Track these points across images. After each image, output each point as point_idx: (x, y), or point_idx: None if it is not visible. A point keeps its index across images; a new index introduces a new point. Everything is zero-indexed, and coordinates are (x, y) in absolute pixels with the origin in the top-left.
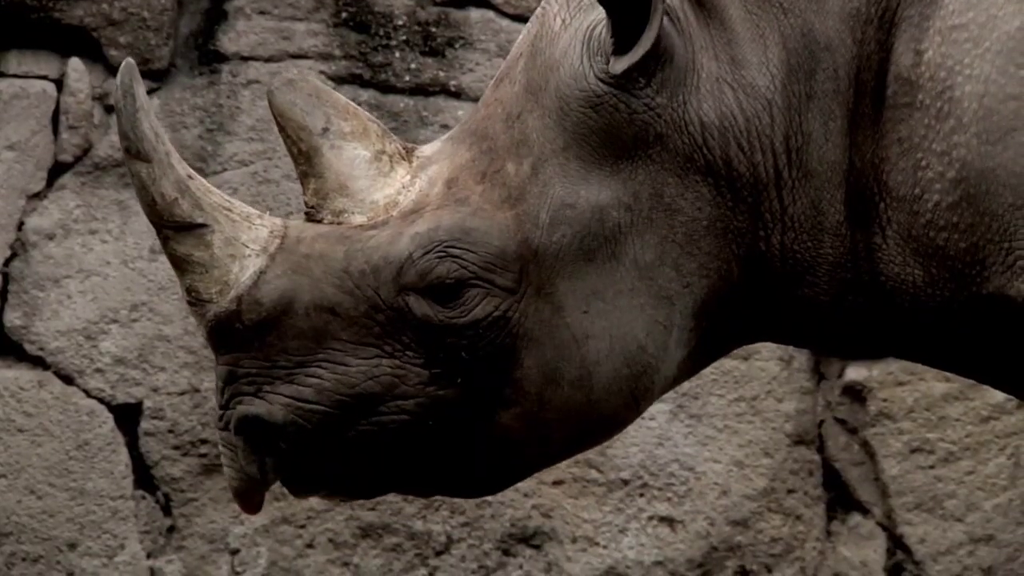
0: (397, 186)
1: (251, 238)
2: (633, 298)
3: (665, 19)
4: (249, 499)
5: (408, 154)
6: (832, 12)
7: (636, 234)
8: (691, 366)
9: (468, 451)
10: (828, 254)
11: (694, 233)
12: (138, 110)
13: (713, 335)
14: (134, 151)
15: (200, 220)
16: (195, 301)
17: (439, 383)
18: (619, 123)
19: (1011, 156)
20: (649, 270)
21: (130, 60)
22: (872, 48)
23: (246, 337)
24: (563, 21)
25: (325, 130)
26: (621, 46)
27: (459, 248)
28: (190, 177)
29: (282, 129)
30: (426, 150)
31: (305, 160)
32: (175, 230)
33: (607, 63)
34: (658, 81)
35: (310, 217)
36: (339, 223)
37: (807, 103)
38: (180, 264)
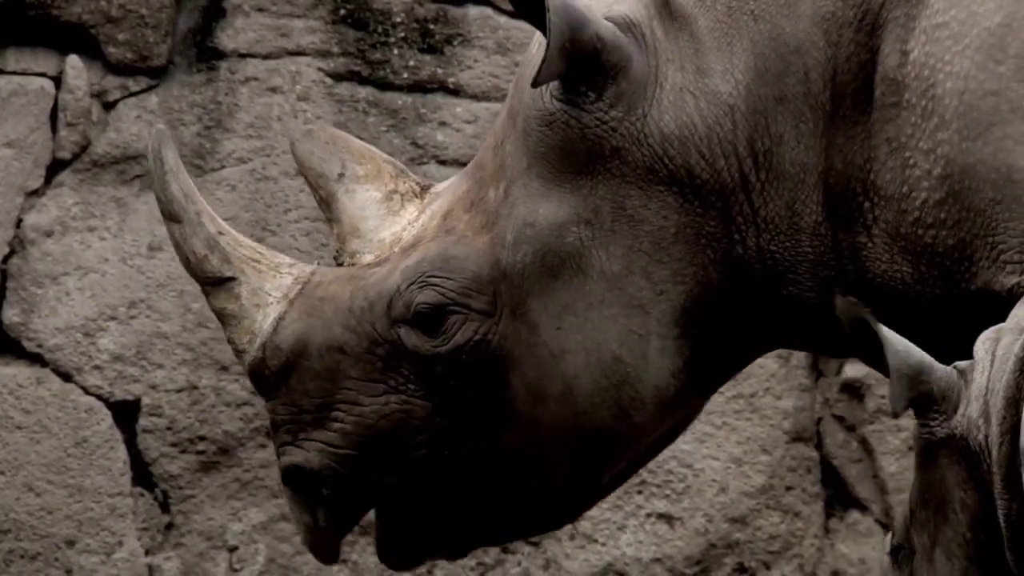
0: (403, 223)
1: (275, 286)
2: (604, 309)
3: (625, 35)
4: (319, 549)
5: (423, 192)
6: (803, 16)
7: (600, 247)
8: (697, 377)
9: (489, 478)
10: (808, 253)
11: (662, 241)
12: (166, 173)
13: (710, 344)
14: (166, 212)
15: (228, 274)
16: (236, 352)
17: (442, 413)
18: (572, 139)
19: (990, 151)
20: (617, 281)
21: (162, 127)
22: (851, 50)
23: (275, 383)
24: (539, 43)
25: (341, 175)
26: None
27: (438, 276)
28: (220, 233)
29: (305, 178)
30: (439, 186)
31: (325, 206)
32: (209, 285)
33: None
34: (611, 95)
35: (336, 261)
36: (353, 264)
37: (775, 106)
38: (220, 317)
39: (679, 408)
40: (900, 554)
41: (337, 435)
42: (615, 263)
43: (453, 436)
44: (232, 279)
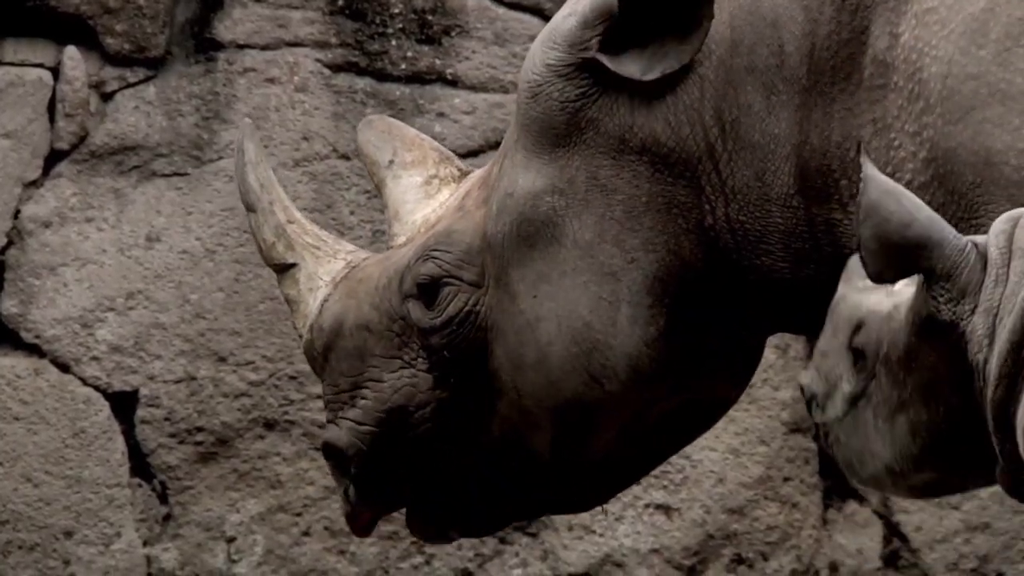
0: (435, 205)
1: (327, 271)
2: (576, 277)
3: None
4: (352, 521)
5: (462, 176)
6: None
7: (573, 215)
8: (678, 353)
9: (485, 452)
10: (778, 223)
11: (633, 210)
12: (246, 164)
13: (689, 317)
14: (244, 202)
15: (291, 260)
16: (300, 339)
17: (441, 385)
18: (552, 111)
19: (970, 135)
20: (590, 248)
21: (248, 121)
22: (831, 27)
23: (321, 364)
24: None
25: (391, 163)
26: (620, 43)
27: (440, 250)
28: (289, 222)
29: (365, 166)
30: (478, 171)
31: (378, 193)
32: (278, 272)
33: (564, 52)
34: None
35: (387, 245)
36: (392, 247)
37: (745, 76)
38: (288, 305)
39: (666, 383)
40: (813, 403)
41: (361, 412)
42: (587, 231)
43: (452, 409)
44: (294, 265)
